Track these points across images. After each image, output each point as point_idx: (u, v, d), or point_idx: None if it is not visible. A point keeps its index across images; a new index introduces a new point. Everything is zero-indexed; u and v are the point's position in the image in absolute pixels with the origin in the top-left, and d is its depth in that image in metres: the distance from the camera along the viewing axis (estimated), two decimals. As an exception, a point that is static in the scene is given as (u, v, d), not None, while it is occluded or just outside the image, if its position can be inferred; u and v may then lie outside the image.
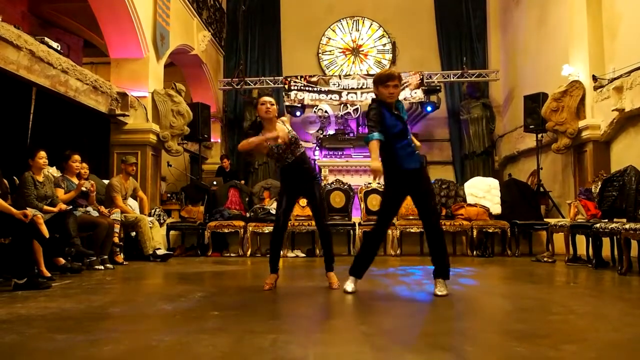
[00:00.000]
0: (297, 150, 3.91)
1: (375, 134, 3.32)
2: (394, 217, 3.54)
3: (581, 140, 7.52)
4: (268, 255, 7.30)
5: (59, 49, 6.18)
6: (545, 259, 6.09)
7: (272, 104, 3.91)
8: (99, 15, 7.54)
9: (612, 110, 6.75)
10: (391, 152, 3.45)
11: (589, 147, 7.39)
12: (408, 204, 7.58)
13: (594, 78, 7.29)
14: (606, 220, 5.31)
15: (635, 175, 5.04)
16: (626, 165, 5.27)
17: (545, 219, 7.26)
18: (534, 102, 8.45)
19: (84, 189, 5.61)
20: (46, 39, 5.99)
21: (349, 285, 3.54)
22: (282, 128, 3.91)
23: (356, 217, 7.63)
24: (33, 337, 2.39)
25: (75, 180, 5.68)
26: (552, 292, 4.05)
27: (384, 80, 3.47)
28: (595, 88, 7.31)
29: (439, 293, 3.38)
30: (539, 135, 8.52)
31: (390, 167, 3.46)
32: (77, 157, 5.73)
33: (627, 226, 4.69)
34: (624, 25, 6.91)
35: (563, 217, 7.48)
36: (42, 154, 5.05)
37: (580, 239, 5.89)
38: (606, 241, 5.39)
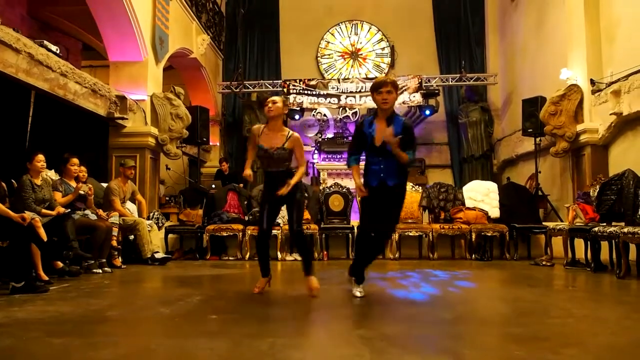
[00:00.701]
0: (285, 165, 3.81)
1: (351, 160, 3.68)
2: (374, 219, 3.59)
3: (579, 143, 7.53)
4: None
5: (58, 52, 6.18)
6: (543, 263, 6.09)
7: (275, 102, 3.81)
8: (98, 18, 7.54)
9: (610, 114, 6.77)
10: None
11: (587, 151, 7.40)
12: (407, 206, 7.62)
13: (592, 82, 7.30)
14: (604, 224, 5.32)
15: (633, 178, 5.05)
16: (624, 169, 5.28)
17: (543, 223, 7.26)
18: (532, 105, 8.47)
19: (81, 192, 5.60)
20: (45, 42, 5.99)
21: (357, 290, 3.59)
22: (283, 135, 3.80)
23: (355, 220, 7.62)
24: (31, 341, 2.39)
25: (73, 184, 5.67)
26: (551, 295, 4.05)
27: (376, 87, 3.52)
28: (593, 92, 7.33)
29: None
30: (538, 139, 8.53)
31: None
32: (75, 160, 5.72)
33: (625, 230, 4.69)
34: (622, 29, 6.93)
35: (561, 221, 7.48)
36: (40, 157, 5.04)
37: (579, 243, 5.89)
38: (604, 245, 5.39)
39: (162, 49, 8.36)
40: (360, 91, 10.78)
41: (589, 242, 5.56)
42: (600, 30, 7.37)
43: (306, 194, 4.01)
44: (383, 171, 3.54)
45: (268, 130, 3.83)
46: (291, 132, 3.85)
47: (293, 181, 3.67)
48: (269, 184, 3.87)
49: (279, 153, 3.76)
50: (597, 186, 5.69)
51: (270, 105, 3.80)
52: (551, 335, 2.48)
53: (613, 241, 5.02)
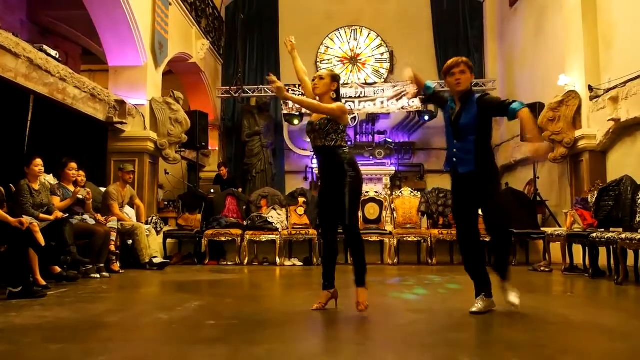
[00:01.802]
0: (327, 140, 3.27)
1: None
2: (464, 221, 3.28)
3: (577, 149, 7.55)
4: (265, 264, 7.34)
5: (57, 56, 6.19)
6: (542, 268, 6.09)
7: (322, 78, 3.39)
8: (97, 23, 7.55)
9: (608, 120, 6.79)
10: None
11: (585, 157, 7.42)
12: (405, 211, 7.63)
13: (590, 88, 7.33)
14: (602, 230, 5.32)
15: (631, 185, 5.07)
16: (622, 175, 5.29)
17: (542, 228, 7.26)
18: (531, 111, 8.46)
19: (79, 196, 5.59)
20: (44, 46, 6.00)
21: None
22: (331, 107, 3.30)
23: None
24: (27, 347, 2.38)
25: (71, 188, 5.66)
26: (549, 301, 4.05)
27: (448, 69, 3.28)
28: (591, 98, 7.35)
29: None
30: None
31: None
32: (73, 164, 5.72)
33: (623, 236, 4.69)
34: (620, 35, 6.96)
35: (560, 227, 7.48)
36: (38, 161, 5.04)
37: (577, 249, 5.89)
38: (603, 251, 5.39)
39: (161, 53, 8.38)
40: (359, 96, 10.80)
41: (587, 248, 5.56)
42: (598, 36, 7.41)
43: (350, 177, 3.23)
44: (456, 155, 3.24)
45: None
46: (337, 104, 3.35)
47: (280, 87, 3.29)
48: (318, 167, 3.44)
49: (320, 123, 3.29)
50: (595, 192, 5.70)
51: (316, 82, 3.41)
52: (549, 342, 2.48)
53: (611, 247, 5.03)
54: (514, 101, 3.16)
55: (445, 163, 3.40)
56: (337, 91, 3.43)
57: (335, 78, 3.44)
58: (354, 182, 3.24)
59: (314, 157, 11.16)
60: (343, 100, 11.72)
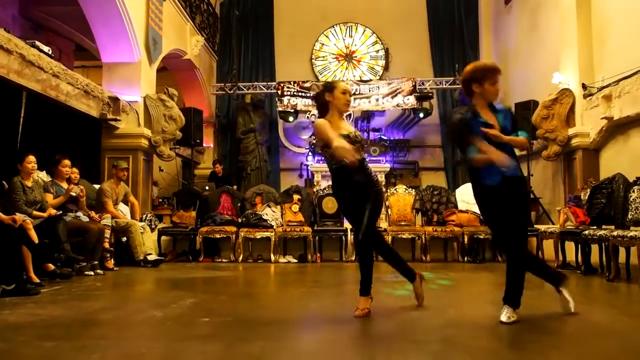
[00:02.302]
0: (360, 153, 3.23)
1: (471, 151, 2.99)
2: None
3: (571, 147, 7.59)
4: (260, 261, 7.33)
5: (50, 52, 6.15)
6: (535, 266, 6.12)
7: (352, 95, 3.40)
8: (90, 19, 7.51)
9: (601, 118, 6.83)
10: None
11: (579, 155, 7.46)
12: (399, 209, 7.65)
13: (584, 86, 7.37)
14: (595, 227, 5.36)
15: (624, 182, 5.10)
16: (615, 173, 5.33)
17: (535, 226, 7.30)
18: (524, 109, 8.52)
19: (73, 194, 5.57)
20: (37, 42, 5.96)
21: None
22: (348, 128, 3.29)
23: (348, 223, 7.63)
24: (21, 345, 2.38)
25: (65, 185, 5.64)
26: (541, 298, 4.07)
27: (492, 73, 3.00)
28: (585, 96, 7.39)
29: None
30: (530, 143, 8.59)
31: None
32: (67, 161, 5.69)
33: (615, 233, 4.73)
34: (613, 34, 7.00)
35: (553, 224, 7.53)
36: (31, 158, 5.02)
37: (570, 246, 5.93)
38: (595, 248, 5.43)
39: (155, 50, 8.34)
40: (354, 94, 10.78)
41: (579, 245, 5.60)
42: (592, 35, 7.44)
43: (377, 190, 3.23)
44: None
45: (333, 125, 3.19)
46: (346, 122, 3.37)
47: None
48: (346, 179, 3.20)
49: (356, 137, 3.21)
50: (588, 190, 5.74)
51: (349, 98, 3.27)
52: (541, 338, 2.50)
53: (603, 244, 5.07)
54: (524, 130, 3.13)
55: (488, 178, 3.01)
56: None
57: None
58: (379, 196, 3.23)
59: (308, 154, 11.21)
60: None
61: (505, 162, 2.84)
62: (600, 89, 6.99)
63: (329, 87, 3.25)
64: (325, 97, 3.24)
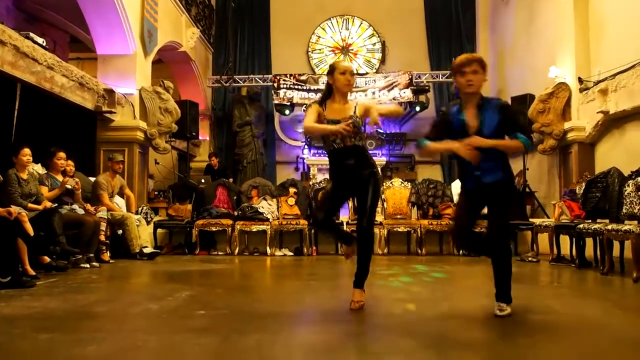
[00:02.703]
0: (356, 139, 3.19)
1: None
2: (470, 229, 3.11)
3: (567, 141, 7.61)
4: (256, 254, 7.34)
5: (44, 44, 6.10)
6: (529, 259, 6.17)
7: (353, 74, 3.26)
8: (85, 10, 7.45)
9: (597, 113, 6.84)
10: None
11: (574, 149, 7.48)
12: (395, 202, 7.67)
13: (580, 80, 7.37)
14: (589, 221, 5.39)
15: (619, 177, 5.13)
16: (610, 167, 5.35)
17: (530, 219, 7.33)
18: (521, 103, 8.52)
19: (68, 186, 5.55)
20: (31, 34, 5.91)
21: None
22: (352, 104, 3.23)
23: (344, 216, 7.65)
24: (16, 337, 2.38)
25: (60, 178, 5.62)
26: (536, 291, 4.11)
27: (459, 66, 2.92)
28: (581, 90, 7.40)
29: None
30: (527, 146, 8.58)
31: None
32: (62, 154, 5.67)
33: (609, 227, 4.76)
34: (610, 28, 7.00)
35: (548, 218, 7.56)
36: (26, 151, 4.99)
37: (564, 239, 5.97)
38: (589, 241, 5.46)
39: (150, 42, 8.29)
40: (350, 87, 10.76)
41: (574, 239, 5.63)
42: (589, 29, 7.44)
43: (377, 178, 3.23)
44: (480, 167, 2.87)
45: (336, 104, 3.22)
46: (352, 102, 3.28)
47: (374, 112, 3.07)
48: (337, 163, 3.24)
49: (353, 122, 3.11)
50: (583, 184, 5.77)
51: (349, 77, 3.20)
52: (534, 332, 2.53)
53: (597, 238, 5.10)
54: (525, 135, 2.90)
55: (465, 179, 3.06)
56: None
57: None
58: (379, 183, 3.22)
59: (304, 147, 11.20)
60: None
61: (469, 156, 2.78)
62: (597, 83, 7.00)
63: (330, 68, 3.25)
64: (328, 80, 3.26)
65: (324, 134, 3.19)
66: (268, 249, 7.12)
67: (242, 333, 2.45)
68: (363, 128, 3.25)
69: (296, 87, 10.73)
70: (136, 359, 2.08)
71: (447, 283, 4.58)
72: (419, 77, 10.83)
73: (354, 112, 3.18)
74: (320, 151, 11.12)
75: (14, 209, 4.26)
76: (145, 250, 6.25)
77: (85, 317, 2.89)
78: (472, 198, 3.05)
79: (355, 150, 3.18)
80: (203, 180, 8.99)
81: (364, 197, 3.15)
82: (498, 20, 11.33)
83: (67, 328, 2.58)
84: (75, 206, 5.64)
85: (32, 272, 4.24)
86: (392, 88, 10.44)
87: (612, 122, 6.84)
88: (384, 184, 8.21)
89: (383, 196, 7.65)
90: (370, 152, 11.66)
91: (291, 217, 7.42)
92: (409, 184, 7.89)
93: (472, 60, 2.91)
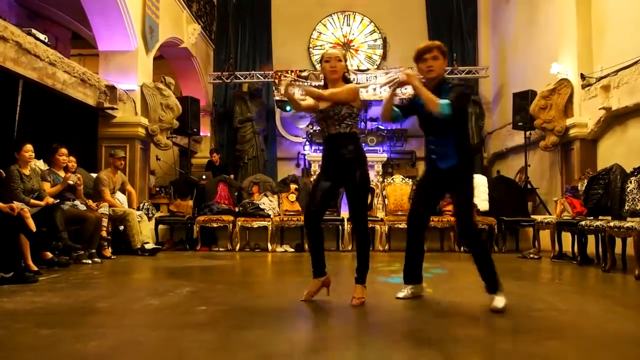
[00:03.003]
0: (344, 126, 3.10)
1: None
2: (424, 210, 3.23)
3: (568, 138, 7.59)
4: (257, 250, 7.35)
5: (46, 40, 6.11)
6: (531, 256, 6.16)
7: (340, 60, 3.17)
8: (87, 7, 7.44)
9: (599, 109, 6.83)
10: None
11: (576, 145, 7.47)
12: (396, 199, 7.67)
13: (582, 76, 7.35)
14: (591, 218, 5.39)
15: (621, 173, 5.12)
16: (612, 164, 5.34)
17: (532, 216, 7.34)
18: (522, 99, 8.51)
19: (70, 182, 5.56)
20: (33, 30, 5.91)
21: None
22: (340, 91, 3.12)
23: (345, 212, 7.65)
24: (18, 332, 2.38)
25: (62, 174, 5.63)
26: (537, 288, 4.11)
27: (420, 54, 3.03)
28: (583, 86, 7.38)
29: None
30: (527, 133, 8.59)
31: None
32: (63, 150, 5.68)
33: (611, 224, 4.75)
34: (613, 24, 6.98)
35: (549, 214, 7.56)
36: (28, 147, 5.00)
37: (566, 236, 5.96)
38: (591, 238, 5.46)
39: (152, 38, 8.28)
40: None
41: (576, 236, 5.63)
42: (591, 24, 7.41)
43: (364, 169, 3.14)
44: (435, 151, 3.02)
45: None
46: (351, 86, 3.17)
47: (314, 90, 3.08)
48: (326, 152, 3.24)
49: (336, 109, 3.09)
50: (585, 180, 5.76)
51: (333, 63, 3.14)
52: (535, 328, 2.53)
53: (599, 235, 5.09)
54: (448, 98, 2.90)
55: (426, 163, 3.22)
56: (348, 71, 3.28)
57: (345, 58, 3.28)
58: (367, 174, 3.17)
59: (305, 144, 11.19)
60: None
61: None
62: (599, 79, 6.98)
63: (320, 58, 3.30)
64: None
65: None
66: (269, 245, 7.13)
67: (243, 329, 2.45)
68: (351, 116, 3.11)
69: (297, 83, 10.69)
70: (137, 354, 2.08)
71: (448, 279, 4.58)
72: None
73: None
74: (321, 147, 11.10)
75: (17, 204, 4.27)
76: (147, 246, 6.27)
77: (87, 312, 2.90)
78: (429, 182, 3.17)
79: (338, 139, 3.12)
80: (204, 177, 8.99)
81: (349, 193, 3.15)
82: (499, 16, 11.29)
83: (69, 323, 2.59)
84: (77, 202, 5.65)
85: (35, 268, 4.26)
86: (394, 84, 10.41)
87: (615, 119, 6.82)
88: (385, 180, 8.21)
89: (384, 192, 7.65)
90: (372, 148, 11.56)
91: (292, 213, 7.42)
92: (410, 180, 7.89)
93: (432, 47, 3.04)
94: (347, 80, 3.22)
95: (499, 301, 2.86)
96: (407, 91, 10.46)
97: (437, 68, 3.02)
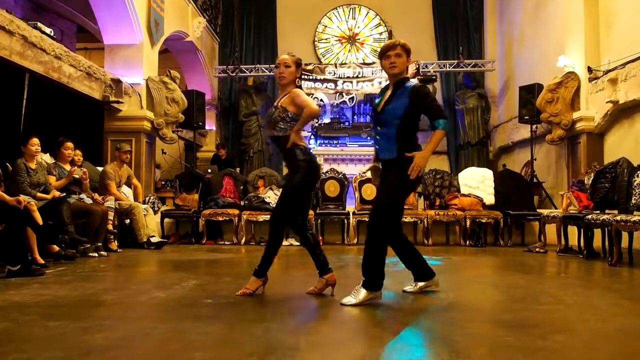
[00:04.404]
0: (278, 129, 3.17)
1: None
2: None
3: (575, 131, 7.55)
4: (262, 243, 7.36)
5: (52, 34, 6.12)
6: (537, 250, 6.14)
7: (288, 66, 3.18)
8: (92, 0, 7.45)
9: (607, 102, 6.77)
10: None
11: (583, 139, 7.42)
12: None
13: (589, 69, 7.29)
14: (598, 212, 5.36)
15: (628, 167, 5.08)
16: (619, 158, 5.31)
17: (538, 210, 7.30)
18: (529, 92, 8.46)
19: (75, 175, 5.58)
20: (39, 24, 5.92)
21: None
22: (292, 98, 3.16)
23: (350, 206, 7.66)
24: (27, 324, 2.41)
25: (68, 168, 5.65)
26: (543, 282, 4.10)
27: (383, 51, 3.12)
28: (590, 79, 7.32)
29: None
30: (534, 126, 8.54)
31: None
32: (69, 144, 5.70)
33: (618, 218, 4.73)
34: (620, 16, 6.90)
35: (556, 208, 7.52)
36: (35, 140, 5.02)
37: (572, 230, 5.94)
38: (597, 232, 5.44)
39: (157, 32, 8.28)
40: (357, 76, 10.73)
41: (582, 230, 5.60)
42: (598, 17, 7.34)
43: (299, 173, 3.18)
44: (378, 142, 3.13)
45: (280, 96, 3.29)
46: (297, 94, 3.17)
47: (292, 141, 3.08)
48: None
49: (271, 112, 3.20)
50: (592, 174, 5.72)
51: (282, 69, 3.18)
52: (541, 322, 2.52)
53: (606, 229, 5.07)
54: (441, 117, 2.96)
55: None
56: (300, 77, 3.30)
57: (299, 64, 3.28)
58: (290, 184, 3.24)
59: (311, 137, 11.18)
60: (340, 81, 11.49)
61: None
62: (606, 72, 6.93)
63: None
64: None
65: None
66: (274, 238, 7.13)
67: (249, 322, 2.46)
68: (286, 119, 3.15)
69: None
70: (144, 346, 2.10)
71: (453, 273, 4.58)
72: (426, 66, 10.75)
73: (278, 102, 3.21)
74: (326, 141, 11.12)
75: (23, 198, 4.29)
76: (153, 240, 6.29)
77: (94, 304, 2.93)
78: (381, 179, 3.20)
79: (274, 142, 3.26)
80: (209, 170, 9.01)
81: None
82: (506, 9, 11.20)
83: (77, 315, 2.61)
84: (83, 196, 5.67)
85: (41, 261, 4.29)
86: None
87: (622, 112, 6.77)
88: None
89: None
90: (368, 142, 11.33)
91: (297, 207, 7.41)
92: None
93: (396, 44, 3.10)
94: (299, 87, 3.27)
95: (353, 298, 2.88)
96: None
97: (399, 65, 3.08)
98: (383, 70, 3.24)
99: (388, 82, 3.20)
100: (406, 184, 2.98)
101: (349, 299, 2.90)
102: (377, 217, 2.98)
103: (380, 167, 3.21)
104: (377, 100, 3.22)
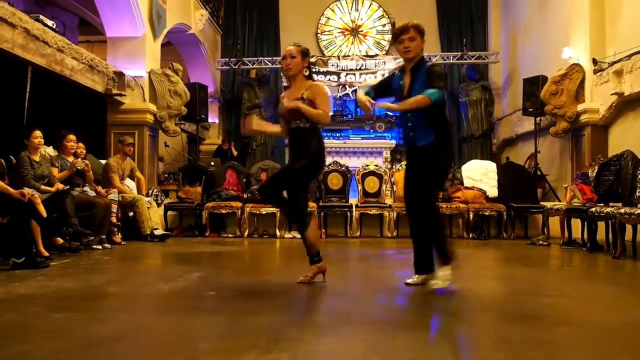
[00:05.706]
0: (305, 121, 3.14)
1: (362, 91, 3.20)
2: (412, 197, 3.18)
3: (579, 124, 7.51)
4: (265, 236, 7.38)
5: (54, 27, 6.10)
6: (540, 242, 6.13)
7: (294, 57, 3.13)
8: (94, -8, 7.44)
9: (612, 94, 6.73)
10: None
11: (587, 131, 7.38)
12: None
13: (594, 61, 7.24)
14: (602, 205, 5.34)
15: (632, 159, 5.05)
16: (623, 150, 5.27)
17: (541, 203, 7.29)
18: (533, 85, 8.41)
19: (78, 167, 5.59)
20: (41, 16, 5.90)
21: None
22: (304, 87, 3.15)
23: (353, 199, 7.65)
24: (32, 316, 2.42)
25: (70, 160, 5.66)
26: (546, 275, 4.10)
27: (397, 35, 3.04)
28: (595, 71, 7.27)
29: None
30: (538, 119, 8.50)
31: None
32: (72, 137, 5.69)
33: (622, 210, 4.71)
34: (626, 7, 6.84)
35: (559, 201, 7.50)
36: (38, 133, 5.02)
37: (576, 223, 5.92)
38: (601, 225, 5.42)
39: (159, 24, 8.25)
40: (360, 69, 10.69)
41: (585, 223, 5.59)
42: (604, 8, 7.27)
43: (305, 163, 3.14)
44: (412, 129, 3.03)
45: (289, 93, 3.23)
46: (314, 82, 3.19)
47: (295, 104, 3.04)
48: (289, 144, 3.32)
49: (282, 107, 3.18)
50: (596, 167, 5.69)
51: (288, 61, 3.12)
52: (544, 314, 2.52)
53: (610, 222, 5.05)
54: (434, 87, 2.89)
55: (401, 139, 3.31)
56: (310, 68, 3.21)
57: (306, 54, 3.19)
58: (301, 173, 3.22)
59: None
60: (343, 74, 11.40)
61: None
62: (611, 64, 6.87)
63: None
64: None
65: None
66: (277, 231, 7.15)
67: (253, 313, 2.47)
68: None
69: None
70: (148, 338, 2.11)
71: (456, 265, 4.57)
72: (430, 58, 10.68)
73: (302, 96, 3.13)
74: (329, 134, 11.09)
75: (27, 190, 4.30)
76: (156, 232, 6.31)
77: (99, 296, 2.94)
78: (408, 165, 3.21)
79: (296, 133, 3.19)
80: (212, 163, 9.01)
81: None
82: (510, 0, 11.12)
83: (81, 307, 2.63)
84: (86, 188, 5.68)
85: (46, 253, 4.30)
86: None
87: (627, 104, 6.73)
88: (393, 166, 8.17)
89: (392, 179, 7.61)
90: (380, 134, 11.52)
91: (300, 199, 7.42)
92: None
93: (409, 26, 3.00)
94: (310, 78, 3.23)
95: (443, 281, 2.96)
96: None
97: (414, 48, 2.99)
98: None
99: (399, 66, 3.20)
100: (443, 171, 3.11)
101: (440, 283, 2.93)
102: (423, 204, 3.03)
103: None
104: (399, 83, 3.10)
